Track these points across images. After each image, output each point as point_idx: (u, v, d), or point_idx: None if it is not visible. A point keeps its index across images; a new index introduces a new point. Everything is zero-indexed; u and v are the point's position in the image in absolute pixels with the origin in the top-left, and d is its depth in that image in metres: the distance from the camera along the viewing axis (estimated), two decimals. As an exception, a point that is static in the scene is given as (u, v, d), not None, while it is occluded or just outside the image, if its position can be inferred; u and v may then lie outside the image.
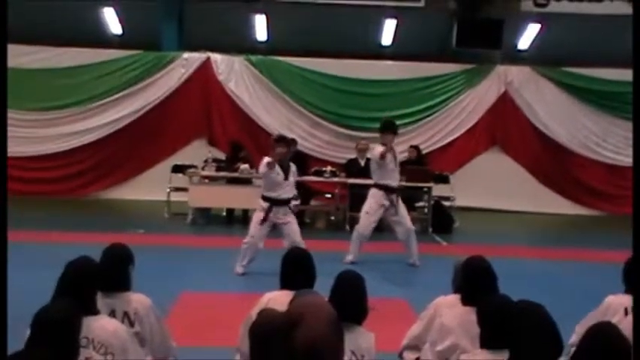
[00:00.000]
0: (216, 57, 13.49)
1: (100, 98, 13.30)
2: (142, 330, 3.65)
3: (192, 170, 11.55)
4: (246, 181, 11.17)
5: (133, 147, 13.44)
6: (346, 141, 13.33)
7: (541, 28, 13.43)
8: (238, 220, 11.40)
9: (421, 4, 13.12)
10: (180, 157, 13.02)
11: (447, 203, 11.90)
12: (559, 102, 13.61)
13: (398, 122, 9.20)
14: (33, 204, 11.90)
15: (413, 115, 13.62)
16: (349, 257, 8.41)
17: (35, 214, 11.03)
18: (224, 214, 11.69)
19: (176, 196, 11.70)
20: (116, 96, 13.31)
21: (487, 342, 3.12)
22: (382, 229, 10.05)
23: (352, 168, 11.54)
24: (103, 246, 3.80)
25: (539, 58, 13.63)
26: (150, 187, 12.98)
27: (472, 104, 13.70)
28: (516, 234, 11.85)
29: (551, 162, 13.69)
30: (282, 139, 7.76)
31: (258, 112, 13.49)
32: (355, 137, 12.90)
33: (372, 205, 8.37)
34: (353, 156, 11.93)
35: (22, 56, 12.61)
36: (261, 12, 13.41)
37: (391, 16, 13.40)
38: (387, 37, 13.99)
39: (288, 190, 7.64)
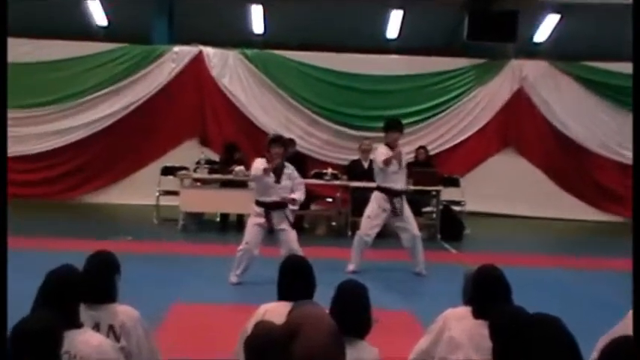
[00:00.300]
0: (209, 51, 13.51)
1: (84, 95, 13.33)
2: (129, 345, 3.64)
3: (183, 172, 11.56)
4: (241, 184, 11.17)
5: (120, 147, 13.45)
6: (348, 141, 13.35)
7: (560, 20, 13.43)
8: (233, 226, 11.40)
9: (429, -6, 13.17)
10: (170, 159, 13.04)
11: (456, 208, 11.91)
12: (578, 99, 13.61)
13: (404, 121, 9.21)
14: (12, 208, 11.84)
15: (420, 114, 13.63)
16: (351, 266, 8.40)
17: (14, 219, 10.96)
18: (218, 219, 11.69)
19: (166, 201, 11.71)
20: (101, 92, 13.34)
21: (499, 358, 3.11)
22: (386, 235, 10.07)
23: (355, 170, 11.53)
24: (87, 254, 3.79)
25: (557, 52, 13.64)
26: (138, 190, 12.99)
27: (484, 101, 13.71)
28: (532, 241, 11.85)
29: (569, 163, 13.69)
30: (278, 140, 7.74)
31: (254, 110, 13.51)
32: (358, 137, 12.91)
33: (375, 209, 8.38)
34: (355, 157, 11.94)
35: (-1, 50, 12.63)
36: (257, 2, 13.43)
37: (397, 7, 13.41)
38: (392, 29, 14.01)
39: (281, 194, 7.61)
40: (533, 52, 13.81)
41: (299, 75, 13.65)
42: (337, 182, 11.39)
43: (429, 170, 11.53)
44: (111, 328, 3.61)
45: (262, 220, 7.58)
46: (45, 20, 13.12)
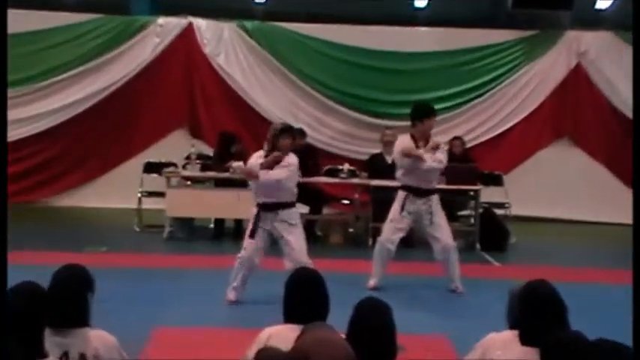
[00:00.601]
0: (200, 23, 13.56)
1: (51, 75, 13.42)
2: (104, 377, 3.66)
3: (170, 170, 11.58)
4: (239, 184, 11.16)
5: (94, 139, 13.52)
6: (368, 131, 13.37)
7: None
8: (229, 233, 11.41)
9: (466, -48, 13.18)
10: (155, 153, 13.09)
11: (499, 212, 11.87)
12: (649, 77, 13.56)
13: (436, 107, 9.18)
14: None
15: (455, 98, 13.64)
16: (372, 281, 8.42)
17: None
18: (211, 225, 11.71)
19: (149, 204, 11.76)
20: (71, 73, 13.42)
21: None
22: (414, 244, 10.06)
23: (376, 166, 11.53)
24: (53, 268, 3.80)
25: (623, 21, 13.55)
26: (115, 191, 13.04)
27: (533, 82, 13.70)
28: (591, 252, 11.79)
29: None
30: (288, 130, 7.79)
31: (255, 94, 13.54)
32: (379, 126, 12.92)
33: (397, 210, 8.39)
34: (377, 150, 11.93)
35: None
36: (258, -36, 13.48)
37: (427, -31, 13.44)
38: (421, -4, 14.00)
39: (282, 194, 7.61)
40: (594, 21, 13.76)
41: (308, 52, 13.67)
42: (355, 181, 11.39)
43: (465, 166, 11.50)
44: (82, 357, 3.61)
45: (264, 222, 7.58)
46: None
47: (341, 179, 11.38)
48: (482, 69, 13.72)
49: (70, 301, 3.64)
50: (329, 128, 13.59)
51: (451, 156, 11.78)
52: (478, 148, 13.29)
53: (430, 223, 8.33)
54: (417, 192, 8.31)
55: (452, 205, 10.67)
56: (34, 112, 13.40)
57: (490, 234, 11.16)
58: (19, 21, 13.21)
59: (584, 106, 13.68)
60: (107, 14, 13.52)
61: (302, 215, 8.19)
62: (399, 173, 8.47)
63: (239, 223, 11.24)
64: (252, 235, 7.65)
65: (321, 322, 3.23)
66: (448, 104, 13.42)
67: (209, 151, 12.48)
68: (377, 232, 9.57)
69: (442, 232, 8.37)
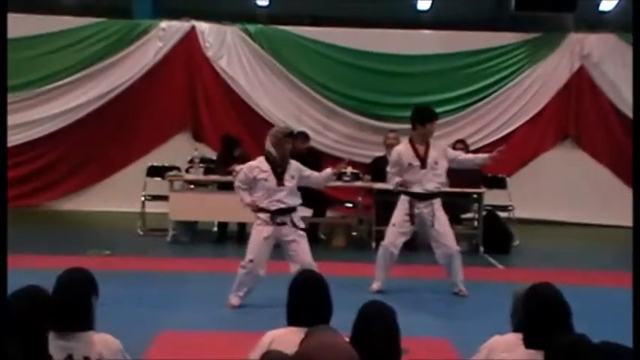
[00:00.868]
0: (202, 26, 13.59)
1: (51, 80, 13.45)
2: (108, 381, 3.67)
3: (173, 173, 11.59)
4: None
5: (96, 143, 13.55)
6: (371, 134, 13.38)
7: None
8: (232, 237, 11.42)
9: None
10: (158, 157, 13.12)
11: (503, 214, 11.87)
12: (653, 80, 13.57)
13: (438, 110, 9.22)
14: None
15: (458, 100, 13.66)
16: (375, 285, 8.41)
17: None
18: (215, 229, 11.72)
19: (153, 207, 11.76)
20: (73, 77, 13.45)
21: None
22: (417, 247, 10.05)
23: (379, 169, 11.51)
24: (57, 272, 3.81)
25: (628, 23, 13.53)
26: (118, 195, 13.08)
27: (536, 85, 13.70)
28: (595, 254, 11.78)
29: (641, 159, 13.62)
30: (291, 135, 7.86)
31: (258, 97, 13.57)
32: (383, 129, 12.90)
33: (399, 215, 8.39)
34: (380, 153, 11.92)
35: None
36: (260, -32, 13.51)
37: (430, -28, 13.46)
38: (424, -1, 14.02)
39: (287, 198, 7.62)
40: (597, 23, 13.78)
41: (311, 55, 13.68)
42: (359, 184, 11.39)
43: (469, 169, 11.48)
44: (86, 360, 3.62)
45: (269, 230, 7.58)
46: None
47: (344, 182, 11.36)
48: (485, 71, 13.73)
49: (73, 304, 3.65)
50: (332, 131, 13.60)
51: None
52: (481, 151, 13.24)
53: (433, 226, 8.34)
54: (418, 196, 8.31)
55: (455, 208, 10.66)
56: (38, 116, 13.44)
57: (493, 237, 11.16)
58: (22, 25, 13.24)
59: (587, 109, 13.68)
60: (110, 18, 13.57)
61: (305, 218, 8.19)
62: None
63: (242, 227, 11.26)
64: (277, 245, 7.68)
65: (324, 325, 3.24)
66: (451, 107, 13.43)
67: (212, 155, 12.49)
68: (380, 236, 9.58)
69: (445, 235, 8.36)
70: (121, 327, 4.07)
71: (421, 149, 8.31)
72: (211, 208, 11.24)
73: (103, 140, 13.54)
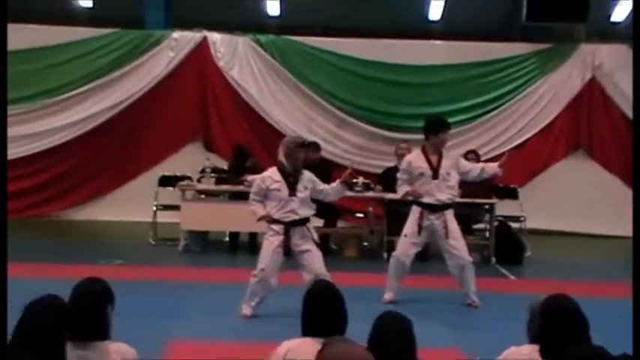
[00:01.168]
0: (214, 37, 13.62)
1: (65, 90, 13.49)
2: (124, 390, 3.67)
3: (185, 183, 11.60)
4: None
5: (109, 153, 13.59)
6: (382, 144, 13.37)
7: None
8: (244, 246, 11.43)
9: (480, -35, 13.20)
10: (169, 166, 13.15)
11: (514, 225, 11.85)
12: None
13: (449, 120, 9.17)
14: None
15: (469, 111, 13.64)
16: (387, 295, 8.40)
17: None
18: (226, 239, 11.73)
19: (164, 217, 11.78)
20: (86, 87, 13.49)
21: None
22: (429, 257, 10.03)
23: (390, 179, 11.49)
24: (68, 281, 3.81)
25: None
26: (130, 204, 13.09)
27: (548, 95, 13.68)
28: (608, 265, 11.72)
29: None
30: (303, 145, 7.87)
31: (269, 107, 13.58)
32: (394, 139, 12.93)
33: (411, 225, 8.38)
34: (391, 164, 11.91)
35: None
36: (272, -21, 13.54)
37: (440, -17, 13.46)
38: (435, 9, 13.99)
39: (300, 209, 7.62)
40: (609, 33, 13.73)
41: (322, 65, 13.71)
42: (370, 194, 11.36)
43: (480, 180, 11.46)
44: (102, 370, 3.63)
45: (280, 240, 7.58)
46: (17, 1, 13.22)
47: (355, 192, 11.33)
48: (496, 82, 13.71)
49: (90, 314, 3.65)
50: (343, 141, 13.58)
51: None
52: (493, 161, 13.21)
53: (446, 238, 8.32)
54: (430, 207, 8.30)
55: (467, 218, 10.65)
56: (50, 126, 13.47)
57: (505, 247, 11.14)
58: (35, 36, 13.37)
59: (599, 119, 13.65)
60: (122, 29, 13.60)
61: (316, 229, 8.18)
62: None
63: (254, 237, 11.26)
64: (287, 253, 7.63)
65: (341, 336, 3.24)
66: (462, 117, 13.41)
67: (223, 165, 12.51)
68: (392, 246, 9.57)
69: (458, 246, 8.34)
70: (133, 336, 4.06)
71: (434, 159, 8.30)
72: (223, 218, 11.26)
73: (114, 150, 13.58)
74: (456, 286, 8.52)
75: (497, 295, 8.83)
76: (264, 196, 7.67)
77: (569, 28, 13.51)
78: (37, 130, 13.44)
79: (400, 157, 11.57)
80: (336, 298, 3.86)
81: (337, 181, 7.93)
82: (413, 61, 13.62)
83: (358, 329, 3.50)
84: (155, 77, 13.52)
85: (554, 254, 12.12)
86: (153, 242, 11.67)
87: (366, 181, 11.56)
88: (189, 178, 11.96)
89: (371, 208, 11.70)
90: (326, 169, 11.37)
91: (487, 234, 11.45)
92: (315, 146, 11.33)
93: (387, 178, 11.60)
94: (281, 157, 7.66)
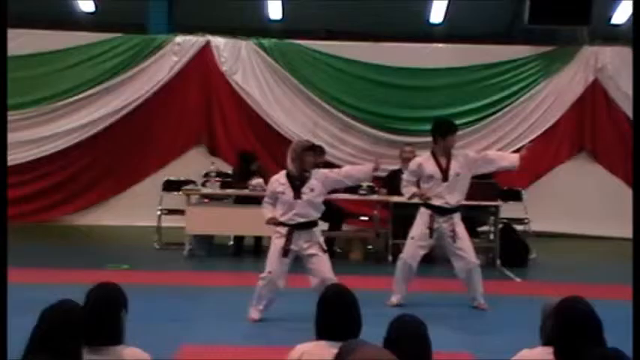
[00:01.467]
0: (217, 41, 13.62)
1: (68, 95, 13.48)
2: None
3: (189, 187, 11.60)
4: (258, 201, 11.16)
5: (112, 158, 13.59)
6: (387, 148, 13.35)
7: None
8: (249, 250, 11.43)
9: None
10: (173, 171, 13.15)
11: (519, 227, 11.84)
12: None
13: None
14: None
15: (473, 114, 13.65)
16: (394, 298, 8.38)
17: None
18: (231, 242, 11.73)
19: (169, 221, 11.78)
20: (90, 91, 13.49)
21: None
22: (435, 260, 10.02)
23: (395, 182, 11.49)
24: (77, 287, 3.81)
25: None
26: (135, 209, 13.08)
27: (551, 97, 13.68)
28: (613, 268, 11.68)
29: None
30: (310, 148, 7.84)
31: (273, 112, 13.59)
32: (398, 143, 12.93)
33: (419, 228, 8.38)
34: (396, 167, 11.92)
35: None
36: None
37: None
38: (437, 12, 14.00)
39: (304, 210, 7.63)
40: (611, 36, 13.74)
41: (326, 69, 13.71)
42: (375, 197, 11.37)
43: (484, 182, 11.45)
44: (117, 375, 3.63)
45: (289, 244, 7.58)
46: (17, 5, 13.16)
47: (360, 196, 11.35)
48: (499, 85, 13.72)
49: (105, 319, 3.65)
50: (348, 145, 13.58)
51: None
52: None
53: (453, 240, 8.32)
54: (439, 210, 8.30)
55: (471, 220, 10.64)
56: (54, 131, 13.47)
57: (510, 250, 11.13)
58: (38, 41, 13.37)
59: (602, 122, 13.66)
60: (125, 33, 13.60)
61: (321, 232, 8.17)
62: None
63: (259, 240, 11.27)
64: (285, 255, 7.62)
65: (360, 339, 3.23)
66: (466, 120, 13.40)
67: (227, 169, 12.51)
68: (397, 249, 9.56)
69: (465, 249, 8.34)
70: (144, 342, 4.05)
71: (443, 162, 8.30)
72: (228, 222, 11.26)
73: (118, 155, 13.57)
74: (462, 288, 8.51)
75: (503, 297, 8.83)
76: (275, 199, 7.68)
77: (572, 30, 13.51)
78: (41, 135, 13.44)
79: (405, 160, 11.61)
80: (351, 302, 3.87)
81: (369, 166, 7.92)
82: (416, 64, 13.62)
83: (365, 332, 3.50)
84: (158, 82, 13.51)
85: (559, 257, 12.11)
86: (157, 247, 11.68)
87: (371, 184, 11.57)
88: (193, 182, 11.96)
89: (376, 211, 11.69)
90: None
91: (492, 236, 11.43)
92: (320, 150, 11.33)
93: (392, 182, 11.60)
94: (288, 161, 7.66)
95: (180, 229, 11.25)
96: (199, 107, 13.67)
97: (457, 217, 8.38)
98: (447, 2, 13.73)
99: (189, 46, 13.59)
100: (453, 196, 8.28)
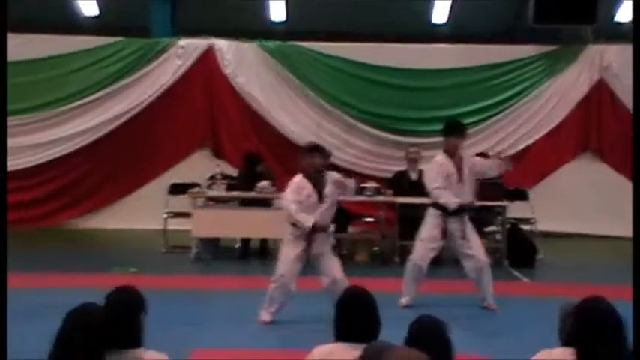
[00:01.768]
0: (221, 44, 13.63)
1: (74, 99, 13.50)
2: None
3: (195, 190, 11.61)
4: (264, 203, 11.21)
5: (118, 161, 13.60)
6: (392, 149, 13.38)
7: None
8: (255, 253, 11.44)
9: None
10: (179, 174, 13.15)
11: (526, 227, 11.85)
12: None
13: (459, 123, 9.19)
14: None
15: (478, 114, 13.65)
16: (404, 299, 8.39)
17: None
18: (237, 245, 11.73)
19: (175, 224, 11.81)
20: (94, 95, 13.51)
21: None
22: (444, 260, 10.03)
23: (401, 183, 11.53)
24: (87, 290, 3.82)
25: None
26: (141, 212, 13.10)
27: (556, 97, 13.69)
28: (621, 267, 11.63)
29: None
30: (314, 149, 7.84)
31: (277, 114, 13.60)
32: (403, 144, 12.94)
33: (429, 229, 8.38)
34: (402, 168, 11.93)
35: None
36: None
37: (446, -14, 13.50)
38: (440, 12, 14.02)
39: (327, 214, 7.65)
40: (616, 34, 13.73)
41: (329, 71, 13.73)
42: (381, 198, 11.38)
43: (490, 182, 11.45)
44: (137, 377, 3.64)
45: (301, 246, 7.58)
46: (20, 9, 13.19)
47: (366, 197, 11.36)
48: (504, 84, 13.73)
49: (125, 322, 3.68)
50: (353, 147, 13.59)
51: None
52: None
53: (463, 240, 8.32)
54: (454, 210, 8.29)
55: (478, 221, 10.63)
56: (58, 136, 13.49)
57: (517, 250, 11.15)
58: (41, 46, 13.39)
59: (607, 120, 13.66)
60: (128, 37, 13.62)
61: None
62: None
63: (265, 243, 11.27)
64: (306, 258, 7.65)
65: (382, 340, 3.23)
66: (470, 120, 13.34)
67: (231, 172, 12.51)
68: (404, 250, 9.57)
69: (475, 248, 8.36)
70: (155, 345, 4.05)
71: (457, 162, 8.32)
72: (234, 225, 11.27)
73: (123, 158, 13.58)
74: (471, 289, 8.51)
75: (511, 297, 8.83)
76: (299, 202, 7.63)
77: (576, 29, 13.51)
78: (44, 140, 13.47)
79: (410, 161, 11.65)
80: (371, 303, 3.88)
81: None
82: (420, 64, 13.63)
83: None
84: (162, 85, 13.54)
85: (567, 256, 12.11)
86: (164, 250, 11.68)
87: (376, 185, 11.59)
88: (199, 185, 11.97)
89: (382, 213, 11.69)
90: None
91: (499, 236, 11.44)
92: (325, 153, 11.30)
93: (398, 183, 11.63)
94: (302, 165, 7.70)
95: (186, 232, 11.27)
96: (203, 110, 13.68)
97: (466, 217, 8.39)
98: (450, 2, 13.73)
99: (192, 49, 13.60)
100: (466, 196, 8.31)
